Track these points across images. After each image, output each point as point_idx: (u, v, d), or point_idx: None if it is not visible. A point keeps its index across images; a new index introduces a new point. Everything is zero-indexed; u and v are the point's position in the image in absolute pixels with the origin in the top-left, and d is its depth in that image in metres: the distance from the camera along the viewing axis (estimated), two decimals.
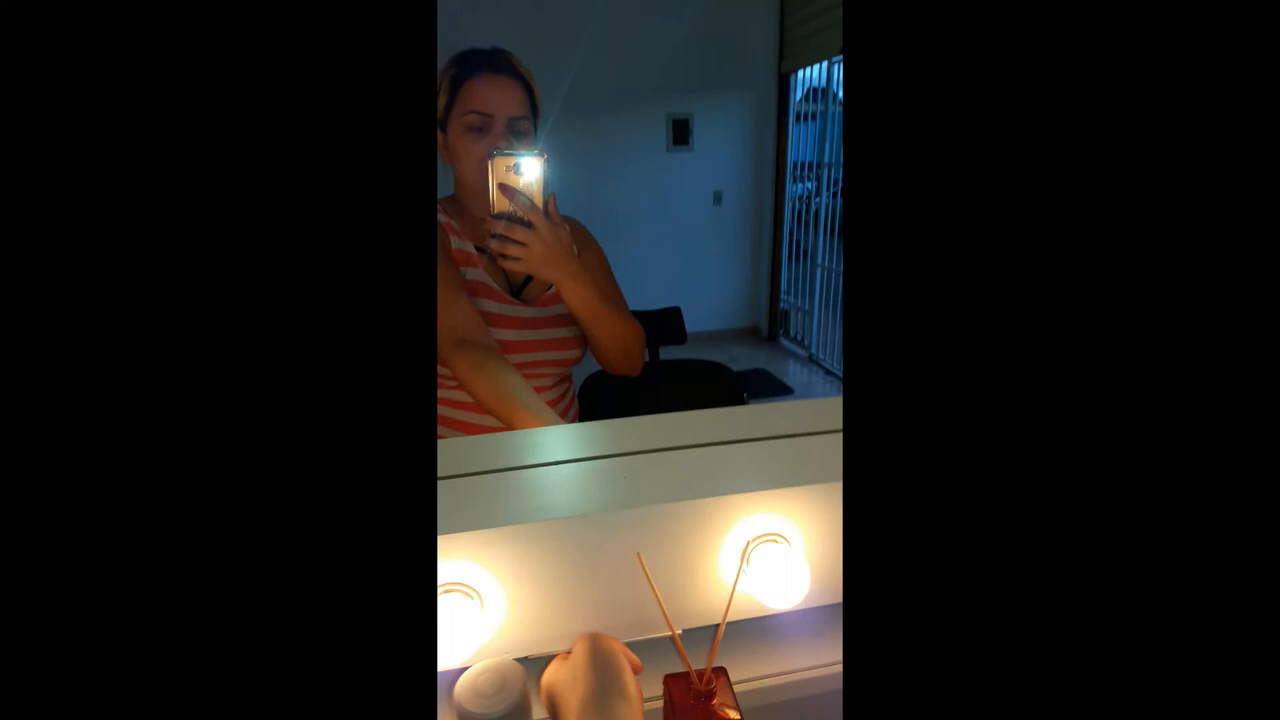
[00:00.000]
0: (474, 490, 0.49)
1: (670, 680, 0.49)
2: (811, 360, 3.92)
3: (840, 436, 0.56)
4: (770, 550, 0.48)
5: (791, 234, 4.10)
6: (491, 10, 3.28)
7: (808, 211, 3.90)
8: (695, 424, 0.61)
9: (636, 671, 0.47)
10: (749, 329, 4.40)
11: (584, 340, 0.91)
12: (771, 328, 4.31)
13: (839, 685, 0.53)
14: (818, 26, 3.39)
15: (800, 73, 3.75)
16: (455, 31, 2.52)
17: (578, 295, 0.80)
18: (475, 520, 0.45)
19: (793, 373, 3.84)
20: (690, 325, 4.10)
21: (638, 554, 0.46)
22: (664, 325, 1.83)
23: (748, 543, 0.48)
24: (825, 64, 3.48)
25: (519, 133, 0.83)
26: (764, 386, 3.57)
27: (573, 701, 0.40)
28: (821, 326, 3.87)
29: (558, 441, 0.58)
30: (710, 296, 4.21)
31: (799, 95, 3.84)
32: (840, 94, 3.48)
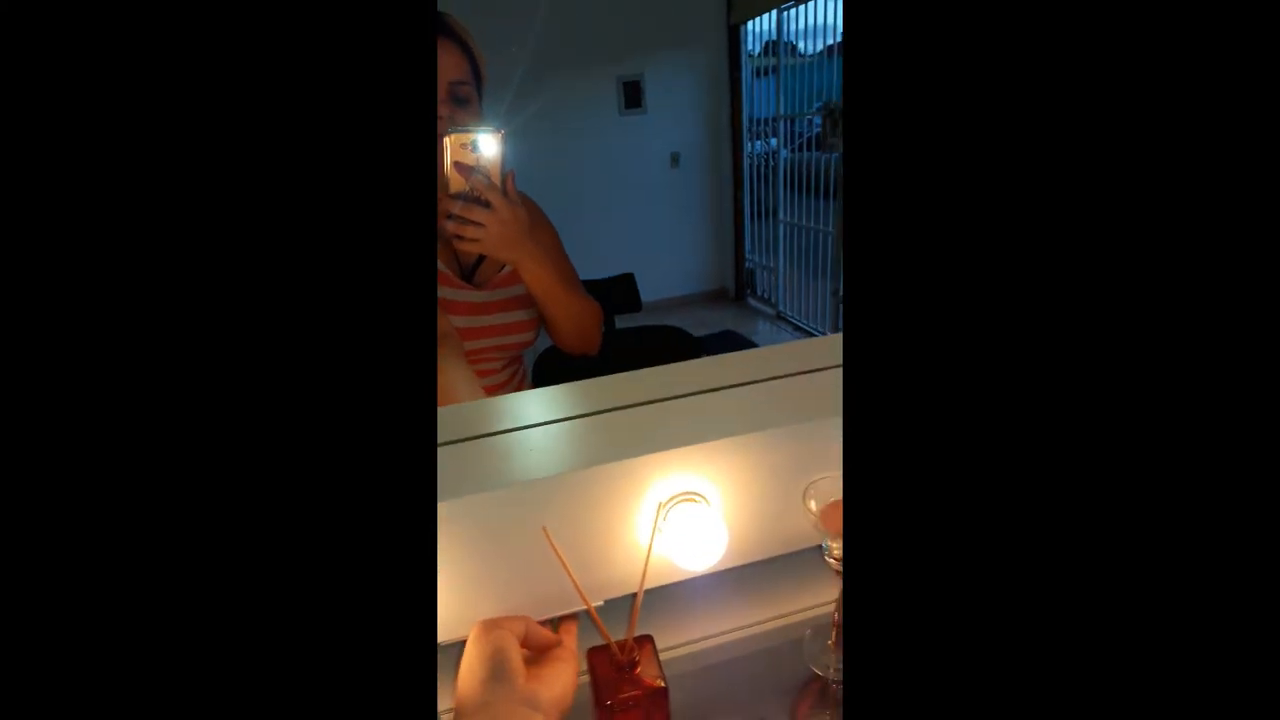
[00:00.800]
0: None
1: (593, 653, 0.47)
2: (780, 317, 3.91)
3: (757, 386, 0.54)
4: (687, 510, 0.45)
5: (753, 191, 4.06)
6: None
7: (768, 167, 3.84)
8: (618, 386, 0.58)
9: (550, 645, 0.44)
10: (717, 291, 4.37)
11: (537, 323, 0.88)
12: (738, 288, 4.28)
13: (767, 644, 0.52)
14: None
15: (752, 25, 3.66)
16: None
17: (536, 276, 0.77)
18: None
19: (761, 331, 3.83)
20: (656, 291, 4.09)
21: (543, 528, 0.43)
22: (618, 293, 1.80)
23: (661, 504, 0.46)
24: (774, 13, 3.40)
25: (460, 99, 0.77)
26: (731, 347, 3.56)
27: (461, 699, 0.37)
28: (788, 283, 3.86)
29: (462, 417, 0.55)
30: (675, 261, 4.17)
31: (755, 49, 3.75)
32: (795, 44, 3.41)
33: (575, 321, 0.85)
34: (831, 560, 0.46)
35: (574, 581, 0.43)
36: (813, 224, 3.51)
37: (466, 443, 0.50)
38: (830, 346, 0.63)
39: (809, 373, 0.57)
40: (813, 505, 0.45)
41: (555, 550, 0.43)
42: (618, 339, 1.56)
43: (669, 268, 4.14)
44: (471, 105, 0.79)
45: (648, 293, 2.40)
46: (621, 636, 0.46)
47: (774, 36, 3.54)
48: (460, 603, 0.46)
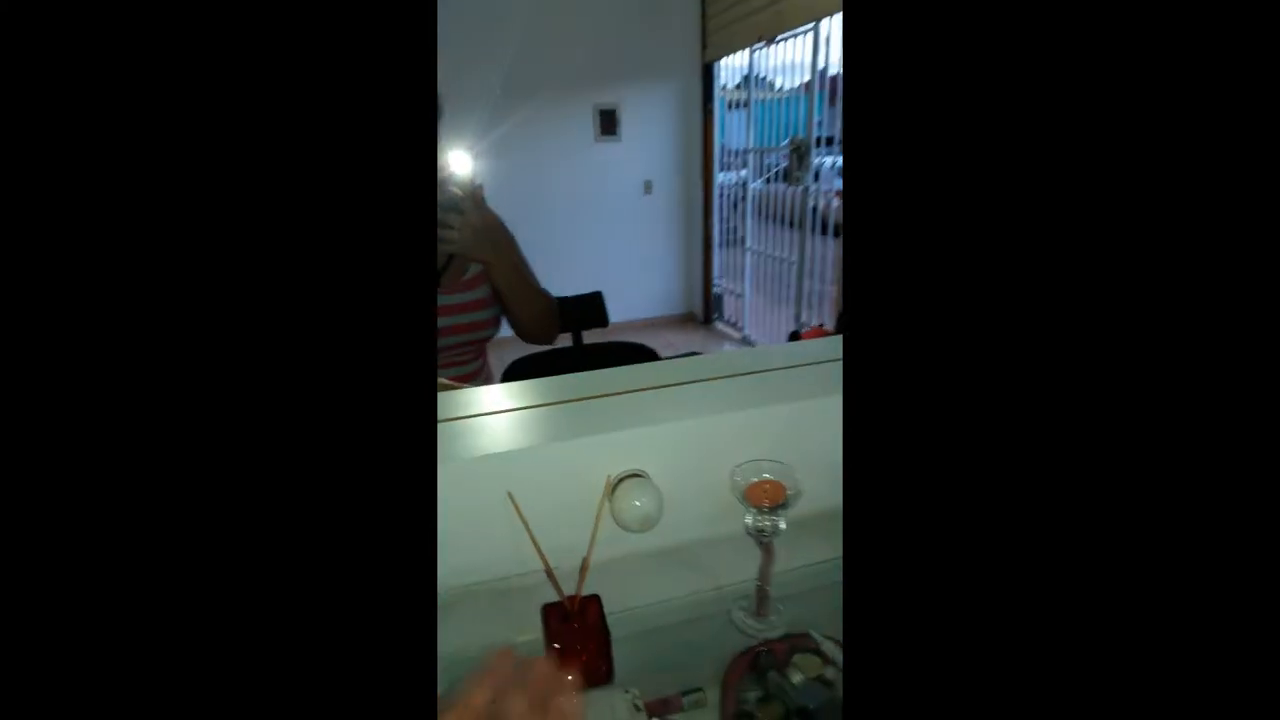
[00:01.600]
0: None
1: (547, 608, 0.54)
2: (745, 341, 4.03)
3: (699, 385, 0.62)
4: (632, 484, 0.53)
5: (724, 220, 4.20)
6: None
7: (738, 197, 3.99)
8: (579, 383, 0.66)
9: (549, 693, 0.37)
10: (686, 315, 4.49)
11: (498, 319, 0.98)
12: (706, 312, 4.41)
13: (702, 611, 0.60)
14: (738, 15, 3.47)
15: (725, 60, 3.83)
16: None
17: (500, 272, 0.90)
18: None
19: None
20: (626, 313, 4.18)
21: (509, 493, 0.51)
22: (586, 310, 1.88)
23: (609, 478, 0.53)
24: (746, 51, 3.57)
25: None
26: None
27: None
28: (753, 308, 3.99)
29: (445, 402, 0.62)
30: (645, 284, 4.28)
31: (731, 82, 3.91)
32: (771, 79, 3.57)
33: (533, 312, 0.97)
34: (753, 533, 0.54)
35: (533, 540, 0.51)
36: (778, 253, 3.65)
37: (447, 423, 0.57)
38: (763, 354, 0.72)
39: (745, 375, 0.66)
40: (738, 482, 0.54)
41: (518, 512, 0.50)
42: (584, 354, 1.64)
43: (640, 290, 4.25)
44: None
45: (618, 314, 2.49)
46: (572, 593, 0.53)
47: (746, 71, 3.71)
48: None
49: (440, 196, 0.81)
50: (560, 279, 1.63)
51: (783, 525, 0.54)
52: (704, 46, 3.86)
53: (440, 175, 0.81)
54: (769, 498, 0.53)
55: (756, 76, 3.62)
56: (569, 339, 1.75)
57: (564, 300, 1.97)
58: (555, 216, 3.83)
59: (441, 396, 0.65)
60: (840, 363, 0.69)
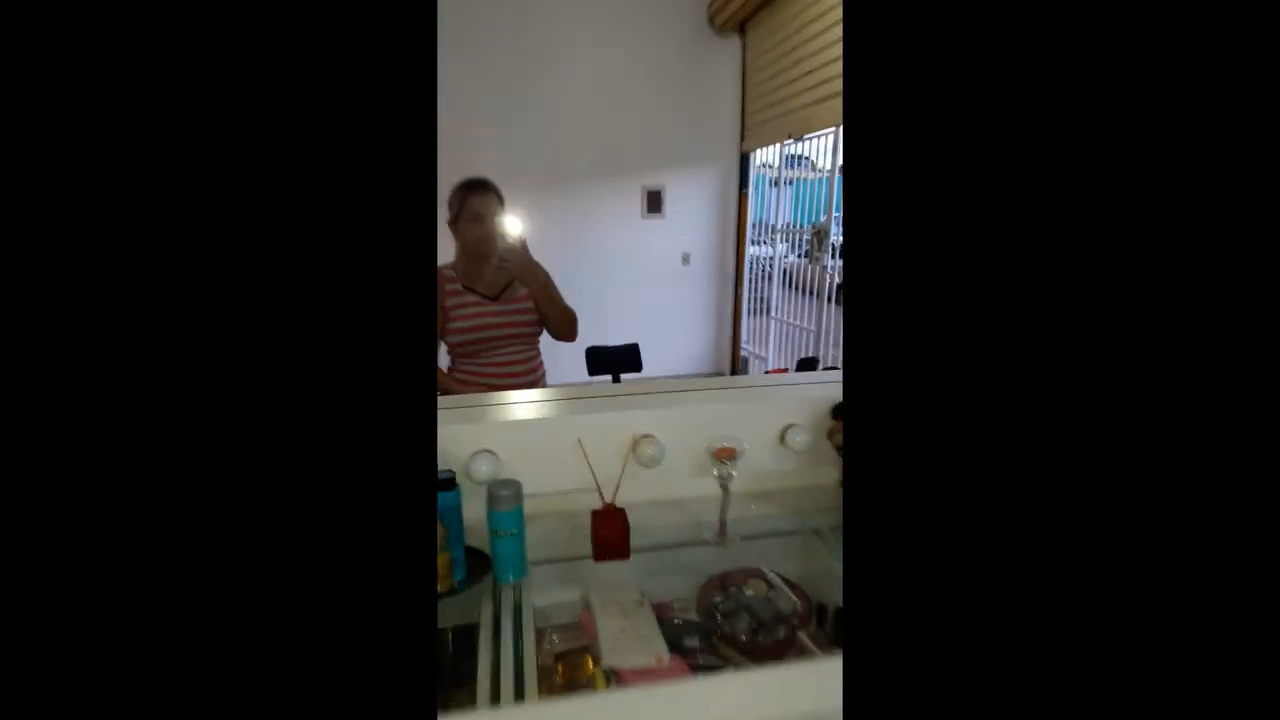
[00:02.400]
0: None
1: (593, 512, 0.92)
2: None
3: (691, 393, 1.02)
4: (648, 441, 0.93)
5: (754, 289, 4.64)
6: (488, 98, 3.87)
7: (768, 270, 4.44)
8: (618, 389, 1.06)
9: None
10: (714, 373, 4.90)
11: (538, 322, 1.52)
12: (732, 372, 4.80)
13: (686, 537, 0.97)
14: (772, 115, 4.00)
15: (760, 152, 4.34)
16: (458, 113, 3.15)
17: (538, 290, 1.45)
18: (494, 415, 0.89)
19: None
20: (661, 368, 4.62)
21: (579, 440, 0.90)
22: (626, 357, 2.33)
23: (633, 437, 0.93)
24: (779, 145, 4.08)
25: (500, 208, 1.48)
26: None
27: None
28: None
29: (551, 394, 1.03)
30: (680, 344, 4.73)
31: (770, 161, 4.38)
32: (803, 155, 4.00)
33: (560, 319, 1.52)
34: (717, 478, 0.92)
35: (590, 467, 0.90)
36: (800, 322, 4.05)
37: (539, 403, 0.97)
38: (736, 379, 1.11)
39: (720, 389, 1.05)
40: (709, 446, 0.92)
41: (583, 450, 0.89)
42: None
43: (674, 350, 4.69)
44: (502, 207, 1.48)
45: (653, 368, 2.92)
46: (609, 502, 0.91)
47: (792, 152, 4.17)
48: (536, 473, 0.92)
49: (501, 245, 1.37)
50: (606, 332, 2.06)
51: (735, 473, 0.92)
52: (742, 139, 4.40)
53: (502, 232, 1.38)
54: (728, 455, 0.91)
55: (791, 156, 4.05)
56: (610, 379, 2.16)
57: (607, 349, 2.40)
58: (605, 279, 4.35)
59: (541, 392, 1.06)
60: (780, 387, 1.08)
